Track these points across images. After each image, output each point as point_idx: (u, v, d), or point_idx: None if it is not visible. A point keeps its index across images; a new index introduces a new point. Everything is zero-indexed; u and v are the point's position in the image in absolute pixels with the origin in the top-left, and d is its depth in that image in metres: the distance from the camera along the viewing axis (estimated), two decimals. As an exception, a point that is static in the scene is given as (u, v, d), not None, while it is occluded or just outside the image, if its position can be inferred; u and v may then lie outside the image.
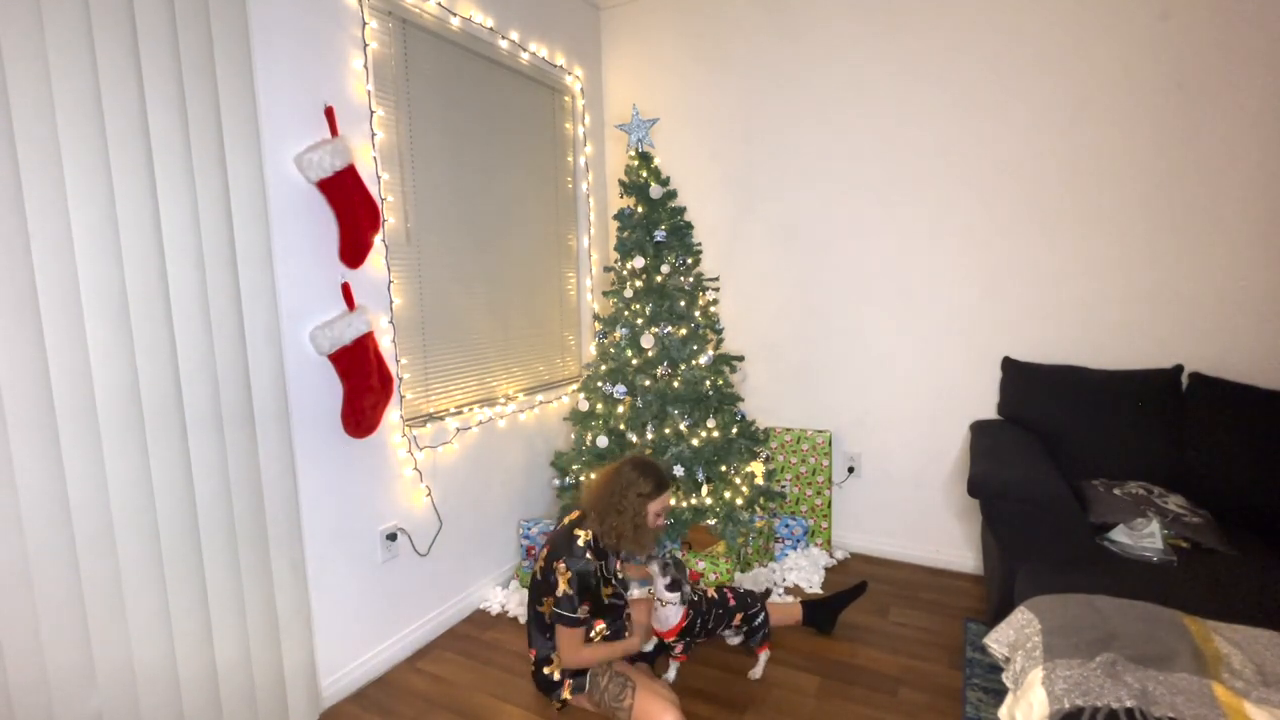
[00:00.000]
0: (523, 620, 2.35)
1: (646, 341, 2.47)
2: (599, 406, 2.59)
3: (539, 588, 1.82)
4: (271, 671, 1.70)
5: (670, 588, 1.85)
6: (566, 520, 1.89)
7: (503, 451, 2.63)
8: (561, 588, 1.73)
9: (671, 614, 1.87)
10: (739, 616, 1.96)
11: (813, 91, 2.75)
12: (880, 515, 2.82)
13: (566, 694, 1.79)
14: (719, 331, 2.63)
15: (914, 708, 1.82)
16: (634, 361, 2.53)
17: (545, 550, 1.84)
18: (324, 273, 1.86)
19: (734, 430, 2.53)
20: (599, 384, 2.59)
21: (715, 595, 1.97)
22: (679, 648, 1.92)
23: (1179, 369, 2.19)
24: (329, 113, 1.82)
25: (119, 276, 1.36)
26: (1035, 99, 2.36)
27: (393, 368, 2.08)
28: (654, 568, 1.89)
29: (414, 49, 2.19)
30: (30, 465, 1.26)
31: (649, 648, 1.94)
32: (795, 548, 2.75)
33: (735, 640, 2.05)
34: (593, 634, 1.85)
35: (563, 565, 1.74)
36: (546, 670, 1.81)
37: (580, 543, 1.78)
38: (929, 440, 2.69)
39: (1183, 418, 2.11)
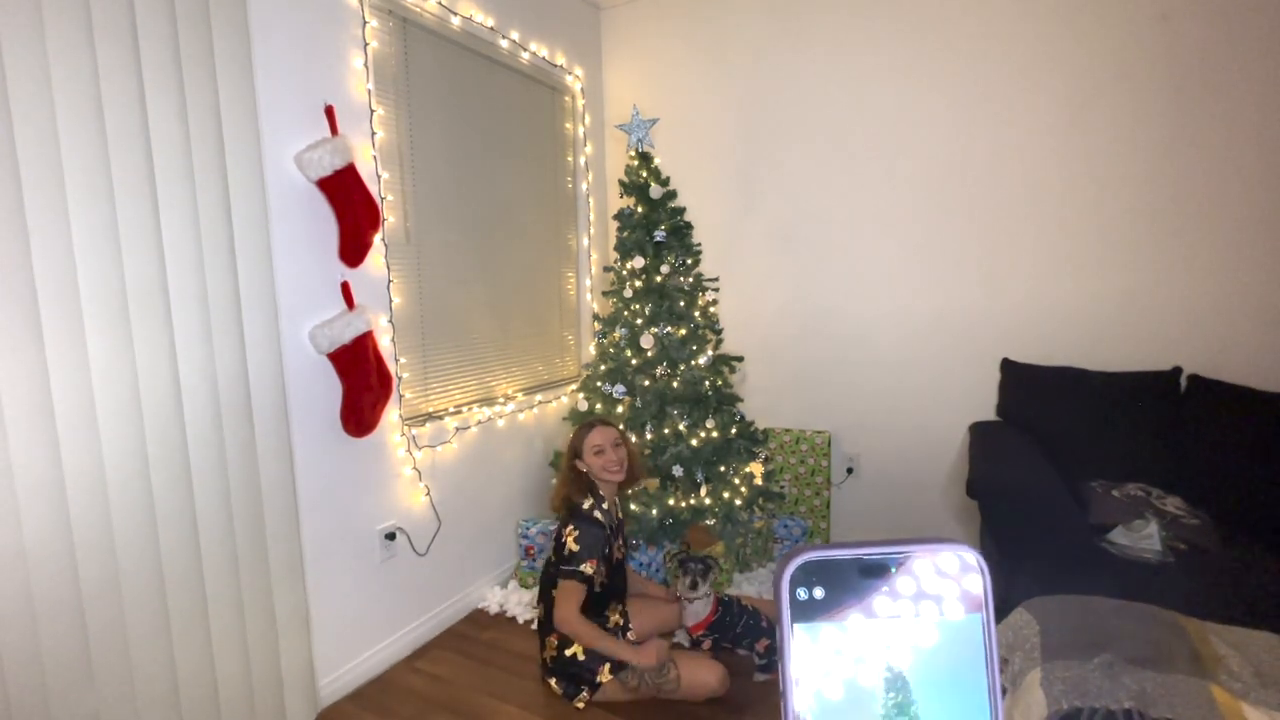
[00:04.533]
0: (521, 620, 2.35)
1: (646, 341, 2.47)
2: (598, 406, 2.59)
3: (552, 569, 1.88)
4: (269, 671, 1.70)
5: (692, 586, 1.87)
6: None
7: (502, 451, 2.62)
8: (569, 547, 1.81)
9: (700, 608, 1.89)
10: (765, 643, 1.93)
11: (813, 92, 2.75)
12: (879, 516, 2.82)
13: (605, 677, 1.80)
14: (718, 332, 2.63)
15: (912, 708, 1.82)
16: (633, 361, 2.53)
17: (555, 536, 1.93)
18: (323, 272, 1.86)
19: (733, 430, 2.53)
20: (598, 384, 2.59)
21: (751, 608, 1.97)
22: (707, 644, 1.92)
23: (1177, 371, 2.20)
24: (329, 111, 1.82)
25: (118, 275, 1.36)
26: (1035, 101, 2.37)
27: (392, 367, 2.07)
28: (685, 583, 1.90)
29: (414, 48, 2.19)
30: (28, 464, 1.26)
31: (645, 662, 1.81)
32: (794, 548, 2.75)
33: (759, 674, 1.96)
34: (608, 612, 1.95)
35: (570, 527, 1.84)
36: (569, 652, 1.82)
37: (585, 506, 1.90)
38: (928, 441, 2.69)
39: (1181, 419, 2.11)
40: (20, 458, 1.25)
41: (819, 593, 0.27)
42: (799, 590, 0.27)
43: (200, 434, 1.52)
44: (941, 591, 0.27)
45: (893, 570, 0.27)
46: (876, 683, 0.26)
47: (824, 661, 0.26)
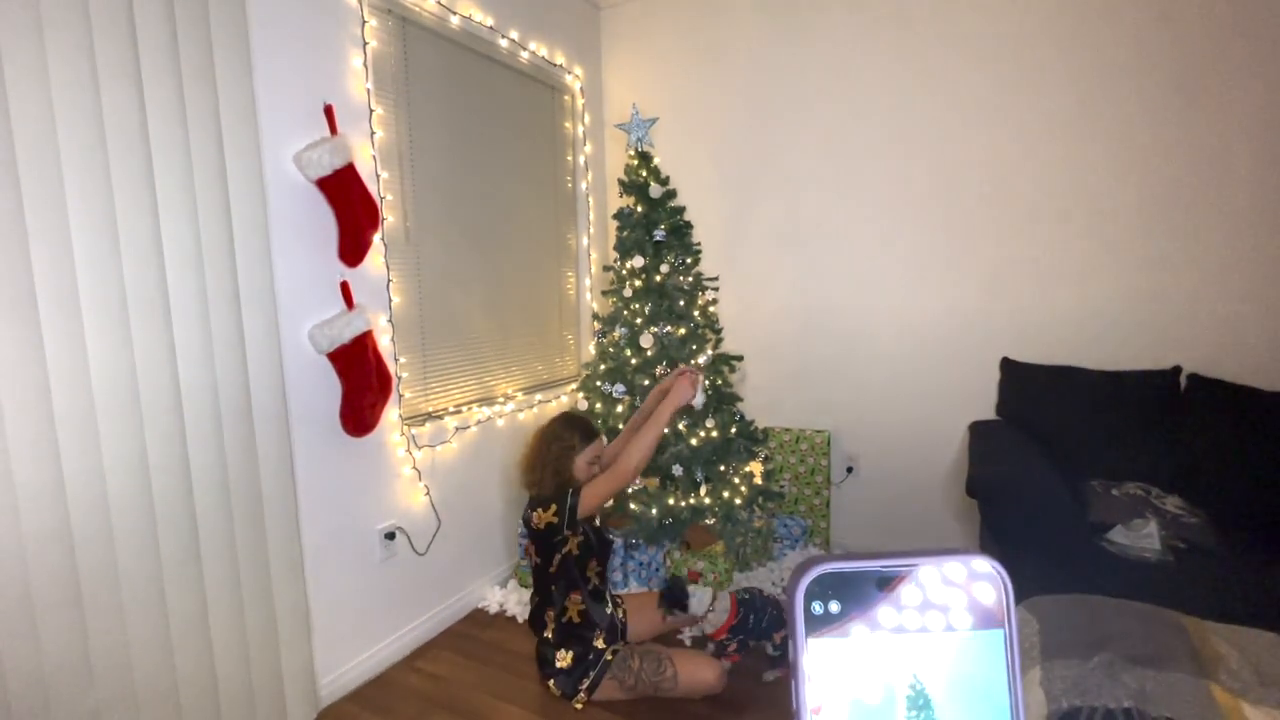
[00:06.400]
0: (521, 619, 2.35)
1: (645, 341, 2.47)
2: (598, 406, 2.59)
3: (541, 551, 1.85)
4: (269, 670, 1.70)
5: (681, 609, 1.85)
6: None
7: (501, 451, 2.62)
8: (549, 520, 1.79)
9: (715, 618, 1.85)
10: (781, 634, 1.91)
11: (813, 92, 2.75)
12: (879, 515, 2.82)
13: (600, 642, 1.81)
14: (718, 331, 2.63)
15: (912, 707, 1.82)
16: (633, 361, 2.53)
17: (528, 539, 1.90)
18: (323, 271, 1.86)
19: (733, 430, 2.53)
20: (598, 383, 2.59)
21: (773, 599, 1.95)
22: (732, 646, 1.88)
23: (1177, 370, 2.20)
24: (328, 111, 1.82)
25: (117, 275, 1.36)
26: (1034, 102, 2.37)
27: (391, 367, 2.07)
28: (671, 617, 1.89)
29: (413, 47, 2.18)
30: (28, 463, 1.26)
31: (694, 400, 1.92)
32: (794, 547, 2.75)
33: (768, 674, 1.95)
34: (589, 573, 1.90)
35: (539, 510, 1.82)
36: (565, 618, 1.82)
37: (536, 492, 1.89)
38: (928, 440, 2.69)
39: (1181, 419, 2.11)
40: (20, 458, 1.25)
41: (835, 606, 0.26)
42: (814, 604, 0.25)
43: (200, 434, 1.52)
44: (961, 604, 0.26)
45: (911, 583, 0.26)
46: (898, 700, 0.25)
47: (841, 679, 0.25)
